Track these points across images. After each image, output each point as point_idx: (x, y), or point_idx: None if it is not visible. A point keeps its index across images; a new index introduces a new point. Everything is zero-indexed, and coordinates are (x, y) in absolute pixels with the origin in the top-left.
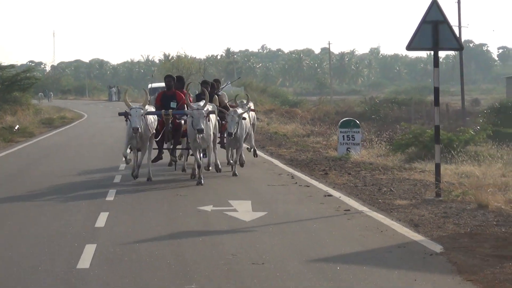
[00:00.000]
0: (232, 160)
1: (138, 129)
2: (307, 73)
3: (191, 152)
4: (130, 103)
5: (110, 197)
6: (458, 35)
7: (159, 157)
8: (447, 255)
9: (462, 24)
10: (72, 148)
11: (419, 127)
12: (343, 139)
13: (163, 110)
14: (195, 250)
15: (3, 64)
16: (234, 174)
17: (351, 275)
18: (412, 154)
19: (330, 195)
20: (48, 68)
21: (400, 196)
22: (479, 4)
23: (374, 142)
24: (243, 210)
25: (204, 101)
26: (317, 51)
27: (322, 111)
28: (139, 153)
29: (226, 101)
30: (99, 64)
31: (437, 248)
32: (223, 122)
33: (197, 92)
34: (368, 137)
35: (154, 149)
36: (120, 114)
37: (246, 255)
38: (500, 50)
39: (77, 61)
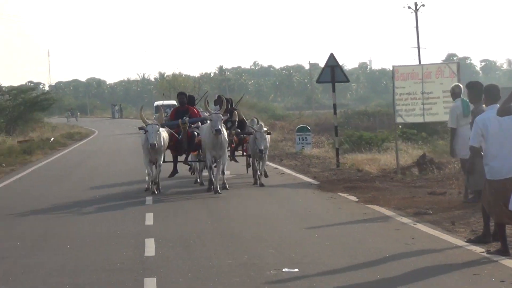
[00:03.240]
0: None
1: (155, 145)
2: (297, 88)
3: (203, 165)
4: (146, 120)
5: (149, 202)
6: (418, 55)
7: (174, 171)
8: (320, 185)
9: (420, 46)
10: (99, 155)
11: (352, 132)
12: (299, 140)
13: (180, 120)
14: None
15: (23, 87)
16: (261, 184)
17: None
18: (345, 149)
19: (282, 172)
20: (47, 88)
21: (316, 167)
22: (460, 18)
23: (325, 143)
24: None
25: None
26: (306, 66)
27: (304, 123)
28: (154, 167)
29: (242, 116)
30: (97, 83)
31: (317, 183)
32: (242, 136)
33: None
34: (320, 139)
35: (166, 161)
36: (140, 128)
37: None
38: (483, 63)
39: (75, 80)
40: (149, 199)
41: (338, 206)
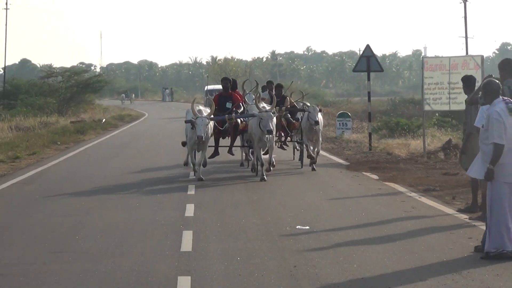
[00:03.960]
0: (312, 153)
1: (202, 137)
2: (349, 74)
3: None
4: (196, 112)
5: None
6: (465, 44)
7: (216, 153)
8: (349, 166)
9: (468, 36)
10: (147, 137)
11: (389, 118)
12: (339, 125)
13: (227, 116)
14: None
15: (77, 69)
16: (313, 163)
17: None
18: (382, 134)
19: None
20: (98, 70)
21: (350, 150)
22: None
23: (365, 129)
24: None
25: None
26: (360, 53)
27: (351, 109)
28: (199, 153)
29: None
30: (148, 66)
31: (346, 164)
32: (293, 121)
33: (247, 93)
34: (361, 125)
35: (210, 146)
36: (186, 122)
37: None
38: None
39: (126, 62)
40: (191, 187)
41: (358, 182)
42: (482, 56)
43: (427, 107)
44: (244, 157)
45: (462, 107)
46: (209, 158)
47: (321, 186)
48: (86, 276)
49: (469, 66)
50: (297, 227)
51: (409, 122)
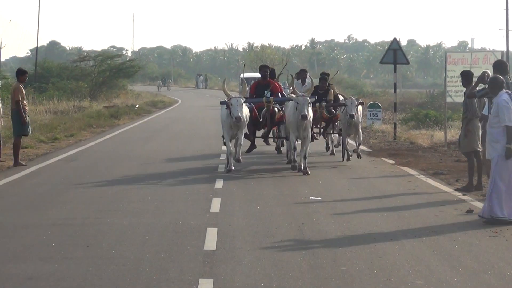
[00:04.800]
0: (355, 146)
1: (240, 118)
2: (391, 65)
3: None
4: (229, 93)
5: (219, 185)
6: (506, 37)
7: (253, 146)
8: (370, 152)
9: (510, 29)
10: (180, 123)
11: (419, 110)
12: (370, 116)
13: (265, 98)
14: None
15: (111, 53)
16: (359, 156)
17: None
18: (411, 125)
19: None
20: (129, 54)
21: (376, 139)
22: None
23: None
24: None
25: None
26: (403, 42)
27: (388, 101)
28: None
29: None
30: (182, 51)
31: (369, 151)
32: (334, 112)
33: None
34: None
35: (245, 137)
36: (221, 102)
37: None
38: None
39: (159, 47)
40: (219, 182)
41: (375, 166)
42: (503, 52)
43: (449, 99)
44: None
45: None
46: (246, 152)
47: (340, 167)
48: (133, 227)
49: (489, 60)
50: (310, 197)
51: (438, 114)
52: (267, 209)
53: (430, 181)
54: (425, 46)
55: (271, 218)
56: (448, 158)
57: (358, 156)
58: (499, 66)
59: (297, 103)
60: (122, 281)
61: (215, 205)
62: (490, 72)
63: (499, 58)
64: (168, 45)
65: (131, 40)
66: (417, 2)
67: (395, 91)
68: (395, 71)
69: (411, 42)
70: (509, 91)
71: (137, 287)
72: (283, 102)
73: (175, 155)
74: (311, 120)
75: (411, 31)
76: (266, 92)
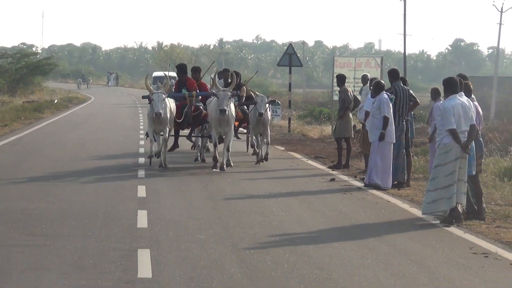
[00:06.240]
0: (256, 147)
1: (160, 114)
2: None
3: (206, 141)
4: (151, 88)
5: (141, 175)
6: (403, 42)
7: (175, 145)
8: None
9: (406, 33)
10: (98, 117)
11: (314, 107)
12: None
13: (187, 92)
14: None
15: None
16: (265, 159)
17: None
18: (306, 121)
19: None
20: (39, 51)
21: (273, 132)
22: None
23: (294, 116)
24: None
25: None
26: (310, 44)
27: (292, 100)
28: (160, 139)
29: (250, 93)
30: (92, 49)
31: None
32: (247, 109)
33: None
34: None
35: (171, 135)
36: (143, 97)
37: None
38: (490, 50)
39: (69, 44)
40: (141, 173)
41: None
42: (382, 57)
43: (335, 97)
44: (201, 151)
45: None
46: (168, 151)
47: (238, 156)
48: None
49: (371, 65)
50: (213, 170)
51: (330, 111)
52: (192, 202)
53: (310, 162)
54: (332, 47)
55: (194, 212)
56: (330, 146)
57: (265, 159)
58: (393, 73)
59: (217, 97)
60: (71, 255)
61: (141, 191)
62: (369, 75)
63: (379, 63)
64: (77, 43)
65: (40, 37)
66: (325, 4)
67: (290, 90)
68: (290, 72)
69: (318, 43)
70: (387, 92)
71: (89, 251)
72: (207, 99)
73: (100, 143)
74: (234, 115)
75: (318, 32)
76: (183, 89)
